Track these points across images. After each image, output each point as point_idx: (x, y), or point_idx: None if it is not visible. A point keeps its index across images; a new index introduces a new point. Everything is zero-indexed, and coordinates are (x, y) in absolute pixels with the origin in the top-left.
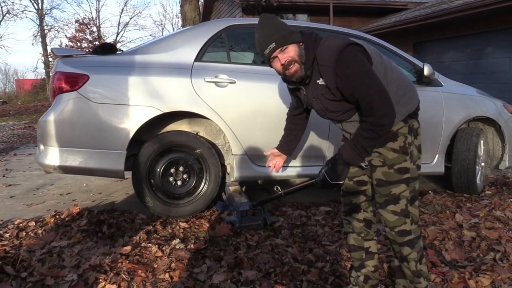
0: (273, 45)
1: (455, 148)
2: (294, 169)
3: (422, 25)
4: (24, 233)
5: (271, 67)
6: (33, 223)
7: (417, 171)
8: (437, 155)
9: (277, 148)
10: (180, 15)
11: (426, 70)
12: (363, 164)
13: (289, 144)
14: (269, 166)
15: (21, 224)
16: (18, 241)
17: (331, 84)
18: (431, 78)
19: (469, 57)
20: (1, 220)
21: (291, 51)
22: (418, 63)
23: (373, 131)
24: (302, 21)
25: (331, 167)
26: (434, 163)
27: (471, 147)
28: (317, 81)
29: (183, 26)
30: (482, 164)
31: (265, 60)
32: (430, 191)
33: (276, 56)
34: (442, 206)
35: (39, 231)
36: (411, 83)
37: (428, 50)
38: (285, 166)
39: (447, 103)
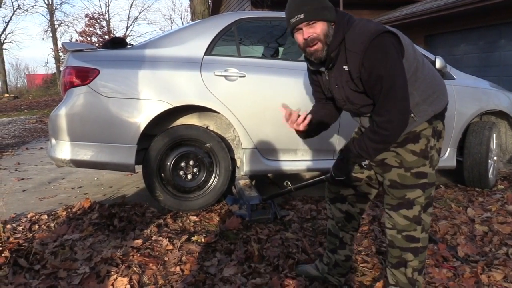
0: (302, 16)
1: (467, 142)
2: (304, 163)
3: (433, 18)
4: (36, 226)
5: (293, 37)
6: (46, 216)
7: (435, 177)
8: (448, 148)
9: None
10: (189, 9)
11: (438, 63)
12: (362, 163)
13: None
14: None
15: (33, 218)
16: (31, 234)
17: (354, 73)
18: (443, 71)
19: (482, 49)
20: (14, 214)
21: (318, 28)
22: (430, 56)
23: (377, 133)
24: None
25: (335, 163)
26: (446, 157)
27: (484, 140)
28: (343, 67)
29: (192, 20)
30: (495, 158)
31: (289, 28)
32: (441, 185)
33: (301, 28)
34: (453, 200)
35: (52, 224)
36: (442, 82)
37: (440, 43)
38: (295, 160)
39: (459, 96)
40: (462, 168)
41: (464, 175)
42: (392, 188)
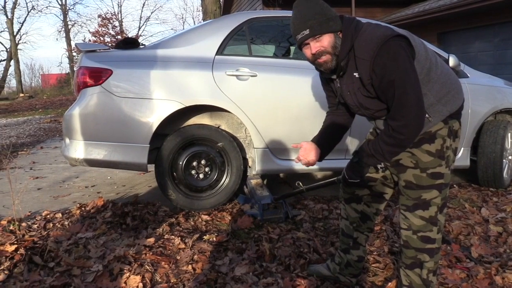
0: (307, 31)
1: (481, 141)
2: None
3: (446, 15)
4: (51, 225)
5: (301, 50)
6: (60, 214)
7: (450, 177)
8: (462, 148)
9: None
10: (201, 8)
11: (452, 61)
12: (378, 166)
13: (323, 140)
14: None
15: (48, 216)
16: (45, 232)
17: (365, 80)
18: (457, 69)
19: (496, 47)
20: (29, 212)
21: (325, 41)
22: (443, 54)
23: (392, 137)
24: None
25: (349, 165)
26: (460, 156)
27: (498, 140)
28: (354, 74)
29: (204, 19)
30: (509, 157)
31: (297, 44)
32: (455, 185)
33: (308, 43)
34: (467, 200)
35: (66, 223)
36: (457, 81)
37: (453, 41)
38: None
39: (473, 95)
40: (476, 167)
41: (478, 175)
42: (408, 189)
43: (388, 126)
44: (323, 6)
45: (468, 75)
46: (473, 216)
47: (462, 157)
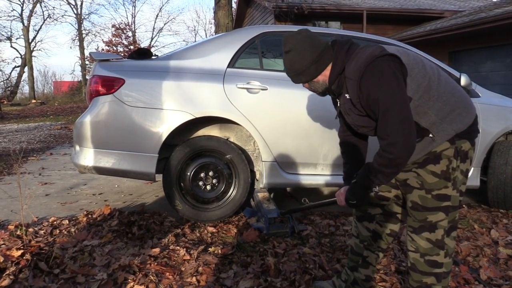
0: (303, 79)
1: (491, 162)
2: (323, 178)
3: (458, 34)
4: (57, 231)
5: None
6: (67, 221)
7: (459, 199)
8: (472, 168)
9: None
10: (213, 21)
11: (463, 81)
12: (373, 189)
13: (352, 178)
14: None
15: (55, 222)
16: (52, 239)
17: (354, 99)
18: (468, 89)
19: (508, 67)
20: (37, 217)
21: (320, 79)
22: (455, 73)
23: (383, 157)
24: (334, 29)
25: (348, 188)
26: (469, 176)
27: (509, 160)
28: (345, 95)
29: (216, 32)
30: None
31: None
32: (464, 205)
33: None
34: (476, 221)
35: (72, 230)
36: (465, 98)
37: (465, 60)
38: (314, 174)
39: (484, 114)
40: (486, 188)
41: (488, 196)
42: (414, 210)
43: (380, 147)
44: (313, 44)
45: (480, 94)
46: (482, 237)
47: (472, 177)
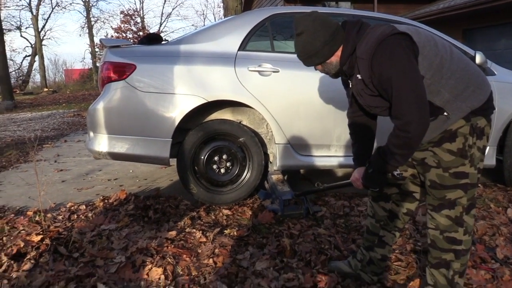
0: (317, 61)
1: (507, 140)
2: (337, 159)
3: (472, 11)
4: (75, 216)
5: None
6: (84, 206)
7: (477, 176)
8: (488, 146)
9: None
10: (222, 4)
11: (478, 59)
12: (395, 173)
13: (363, 157)
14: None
15: (72, 207)
16: (70, 223)
17: (366, 79)
18: (483, 67)
19: None
20: (54, 203)
21: (333, 60)
22: (469, 51)
23: (399, 137)
24: (345, 8)
25: (365, 174)
26: (485, 155)
27: None
28: (357, 76)
29: (225, 15)
30: None
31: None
32: (479, 184)
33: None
34: (493, 200)
35: (89, 214)
36: (479, 75)
37: (479, 37)
38: (328, 156)
39: (500, 93)
40: (502, 167)
41: (504, 175)
42: (433, 189)
43: (394, 128)
44: (324, 26)
45: (495, 72)
46: (499, 216)
47: (488, 156)
